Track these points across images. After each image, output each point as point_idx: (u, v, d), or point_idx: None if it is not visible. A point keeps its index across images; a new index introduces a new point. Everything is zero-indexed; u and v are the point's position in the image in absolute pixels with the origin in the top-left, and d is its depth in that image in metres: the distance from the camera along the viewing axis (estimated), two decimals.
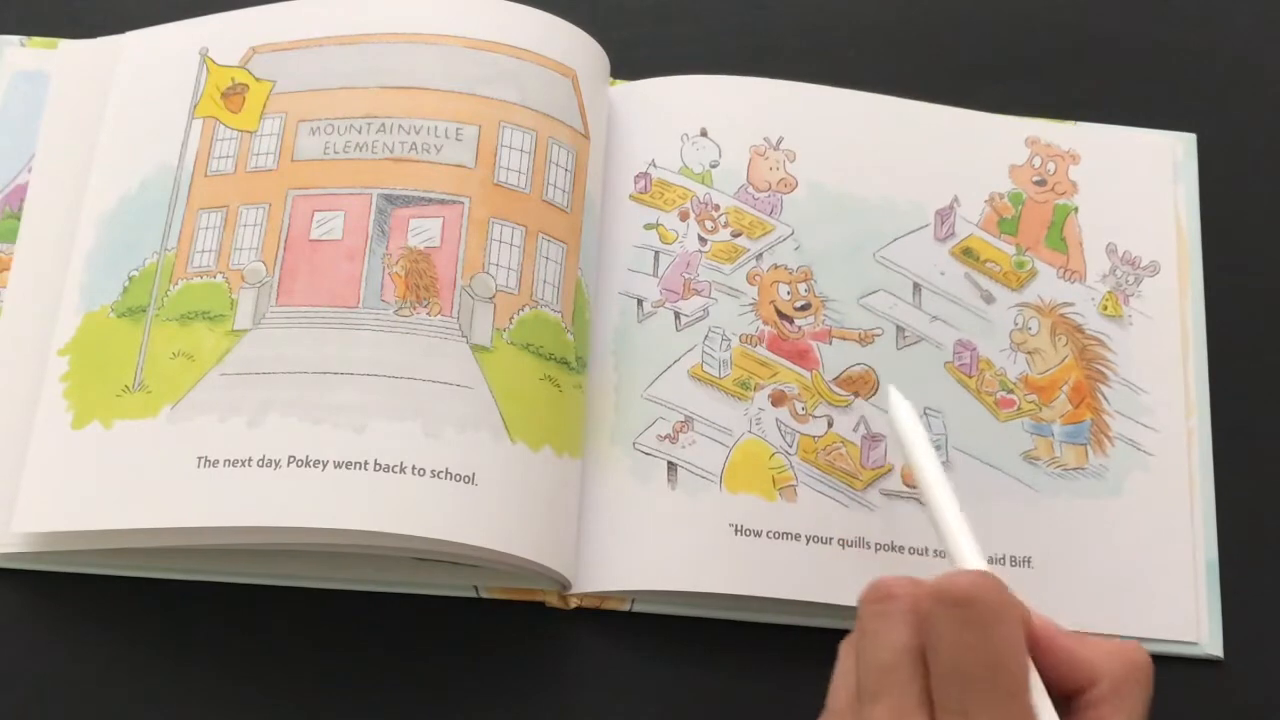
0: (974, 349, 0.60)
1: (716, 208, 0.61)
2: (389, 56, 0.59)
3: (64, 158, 0.61)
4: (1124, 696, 0.42)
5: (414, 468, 0.52)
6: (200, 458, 0.52)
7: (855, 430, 0.58)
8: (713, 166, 0.62)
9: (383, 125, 0.57)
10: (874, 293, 0.60)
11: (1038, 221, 0.63)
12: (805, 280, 0.60)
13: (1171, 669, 0.56)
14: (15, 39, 0.64)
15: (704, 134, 0.62)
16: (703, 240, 0.61)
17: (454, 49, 0.59)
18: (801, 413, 0.58)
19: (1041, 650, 0.43)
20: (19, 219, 0.60)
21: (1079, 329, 0.61)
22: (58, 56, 0.63)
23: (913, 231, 0.62)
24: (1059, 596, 0.56)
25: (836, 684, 0.44)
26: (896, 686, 0.41)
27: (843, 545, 0.56)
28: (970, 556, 0.46)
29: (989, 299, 0.61)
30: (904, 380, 0.59)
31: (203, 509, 0.52)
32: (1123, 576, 0.57)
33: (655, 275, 0.60)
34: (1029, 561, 0.57)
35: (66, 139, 0.61)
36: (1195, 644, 0.57)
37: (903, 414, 0.52)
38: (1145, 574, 0.57)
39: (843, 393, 0.59)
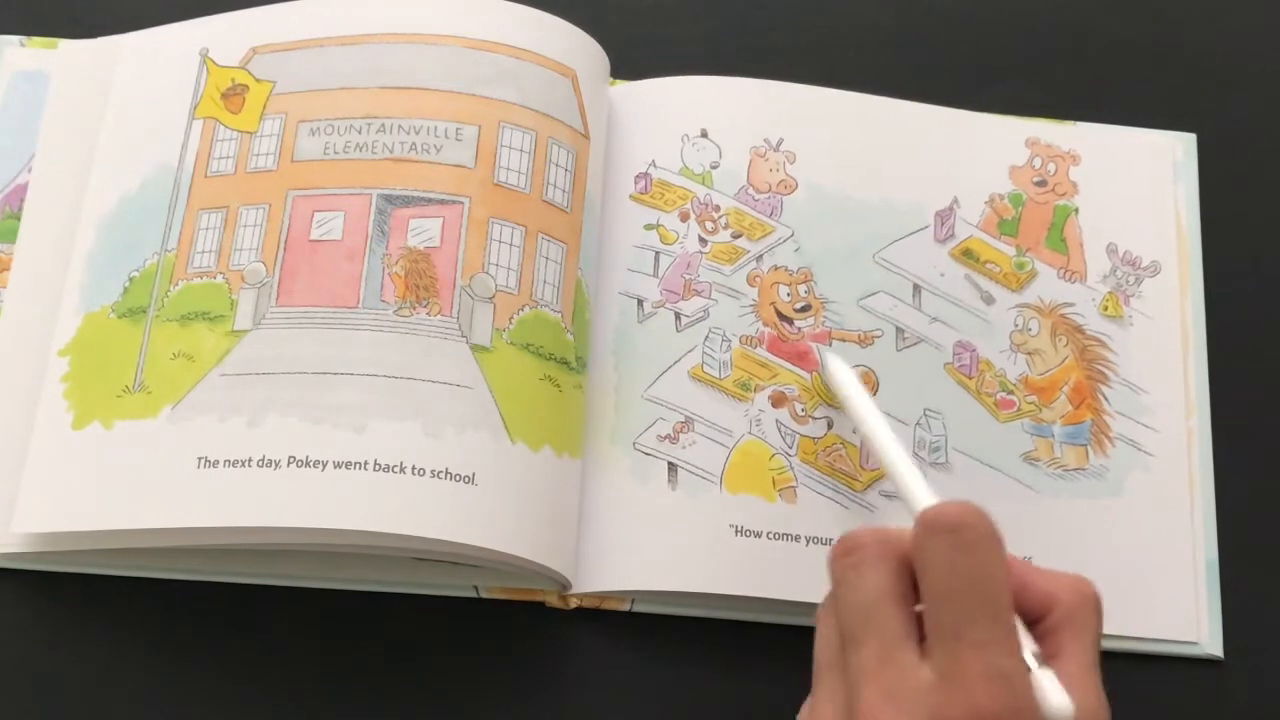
0: (974, 350, 0.60)
1: (717, 209, 0.61)
2: (389, 57, 0.59)
3: (64, 158, 0.61)
4: (1080, 623, 0.44)
5: (414, 468, 0.52)
6: (200, 458, 0.53)
7: (855, 431, 0.58)
8: (713, 167, 0.62)
9: (383, 125, 0.57)
10: (874, 294, 0.60)
11: (1038, 222, 0.63)
12: (805, 282, 0.60)
13: (1171, 669, 0.56)
14: (15, 39, 0.64)
15: (704, 135, 0.62)
16: (703, 241, 0.61)
17: (454, 49, 0.59)
18: (801, 414, 0.58)
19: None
20: (19, 219, 0.60)
21: (1079, 329, 0.61)
22: (58, 56, 0.63)
23: (913, 233, 0.62)
24: None
25: (819, 645, 0.46)
26: (878, 626, 0.43)
27: None
28: (925, 493, 0.48)
29: (989, 300, 0.61)
30: (904, 381, 0.59)
31: (203, 509, 0.52)
32: (1123, 576, 0.57)
33: (655, 276, 0.60)
34: (1029, 562, 0.57)
35: (66, 139, 0.61)
36: (1195, 644, 0.57)
37: (843, 375, 0.56)
38: (1145, 574, 0.57)
39: None
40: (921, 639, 0.43)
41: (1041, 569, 0.46)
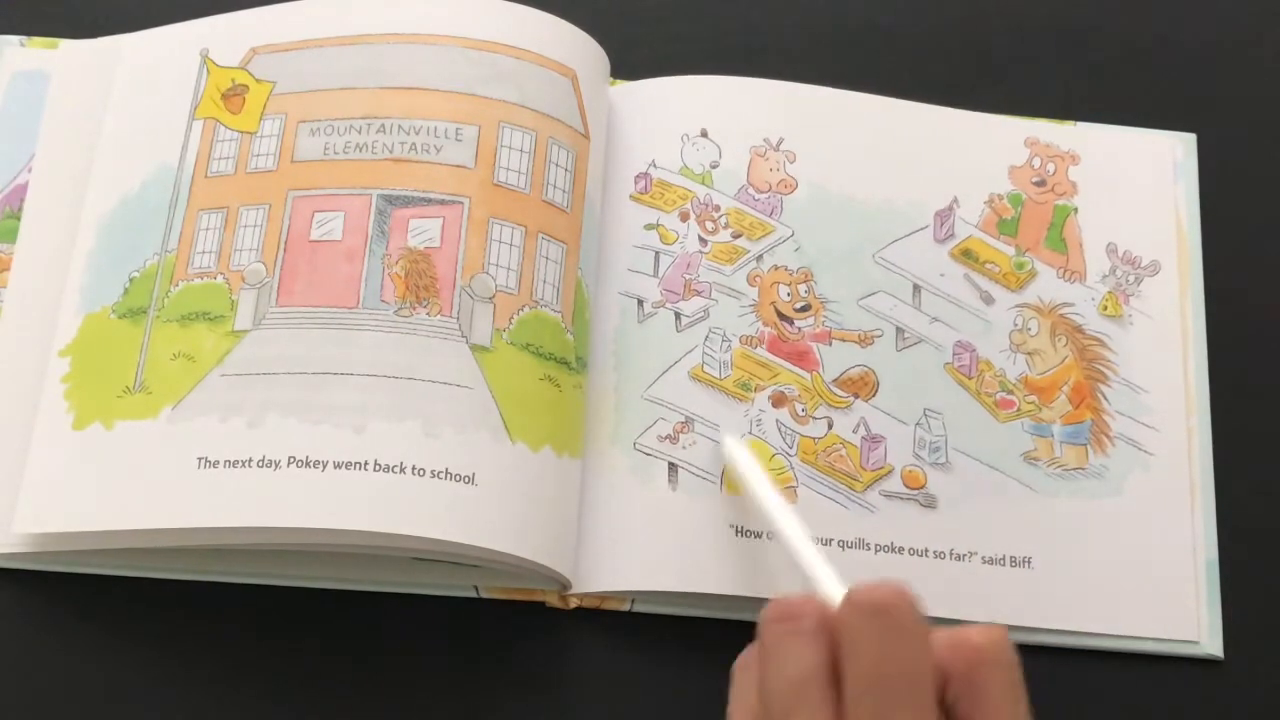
0: (973, 350, 0.60)
1: (717, 208, 0.61)
2: (389, 57, 0.59)
3: (64, 158, 0.61)
4: (978, 689, 0.41)
5: (414, 468, 0.52)
6: (200, 458, 0.53)
7: (855, 432, 0.58)
8: (713, 167, 0.62)
9: (383, 126, 0.57)
10: (874, 294, 0.60)
11: (1037, 222, 0.63)
12: (805, 281, 0.60)
13: (1172, 669, 0.56)
14: (15, 39, 0.64)
15: (704, 134, 0.62)
16: (703, 241, 0.61)
17: (454, 49, 0.59)
18: (802, 414, 0.58)
19: None
20: (19, 219, 0.60)
21: (1079, 329, 0.61)
22: (58, 56, 0.63)
23: (912, 233, 0.62)
24: (1059, 597, 0.56)
25: (735, 702, 0.43)
26: (809, 706, 0.40)
27: (843, 546, 0.56)
28: (834, 585, 0.46)
29: (988, 300, 0.61)
30: (904, 381, 0.59)
31: (203, 509, 0.52)
32: (1123, 576, 0.57)
33: (655, 276, 0.60)
34: (1029, 562, 0.57)
35: (66, 139, 0.61)
36: (1195, 644, 0.57)
37: (742, 457, 0.55)
38: (1145, 574, 0.57)
39: (843, 394, 0.59)
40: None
41: (940, 632, 0.42)
